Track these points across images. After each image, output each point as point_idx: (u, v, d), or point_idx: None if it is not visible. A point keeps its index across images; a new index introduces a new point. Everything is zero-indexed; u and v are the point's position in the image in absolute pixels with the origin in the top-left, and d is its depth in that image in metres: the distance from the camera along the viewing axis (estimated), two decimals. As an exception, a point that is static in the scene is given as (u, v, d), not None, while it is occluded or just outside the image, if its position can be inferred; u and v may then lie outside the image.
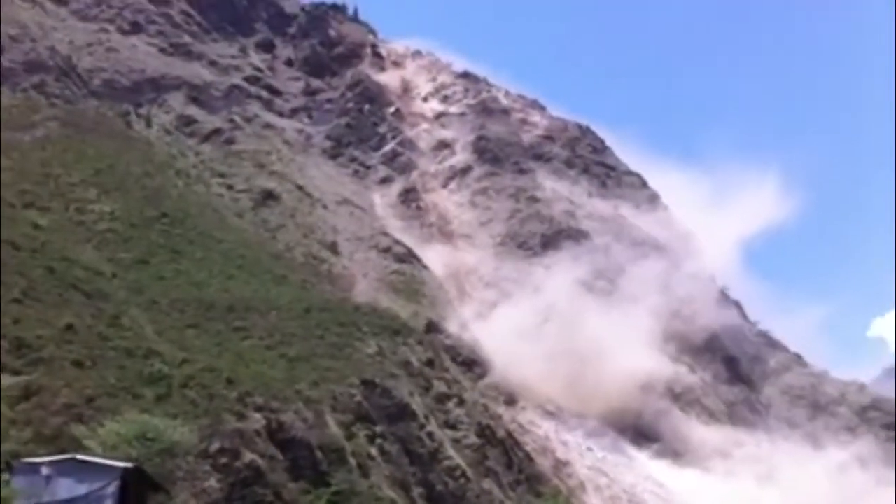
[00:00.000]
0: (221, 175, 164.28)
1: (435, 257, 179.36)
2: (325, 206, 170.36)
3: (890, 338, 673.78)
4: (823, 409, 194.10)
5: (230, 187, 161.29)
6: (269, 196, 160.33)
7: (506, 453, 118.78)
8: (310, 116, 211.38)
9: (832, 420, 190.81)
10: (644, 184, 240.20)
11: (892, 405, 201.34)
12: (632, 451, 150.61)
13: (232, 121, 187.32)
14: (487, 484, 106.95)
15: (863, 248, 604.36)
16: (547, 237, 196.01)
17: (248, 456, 78.05)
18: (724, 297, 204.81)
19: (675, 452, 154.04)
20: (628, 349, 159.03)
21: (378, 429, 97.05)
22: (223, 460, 75.87)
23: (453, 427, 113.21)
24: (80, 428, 63.22)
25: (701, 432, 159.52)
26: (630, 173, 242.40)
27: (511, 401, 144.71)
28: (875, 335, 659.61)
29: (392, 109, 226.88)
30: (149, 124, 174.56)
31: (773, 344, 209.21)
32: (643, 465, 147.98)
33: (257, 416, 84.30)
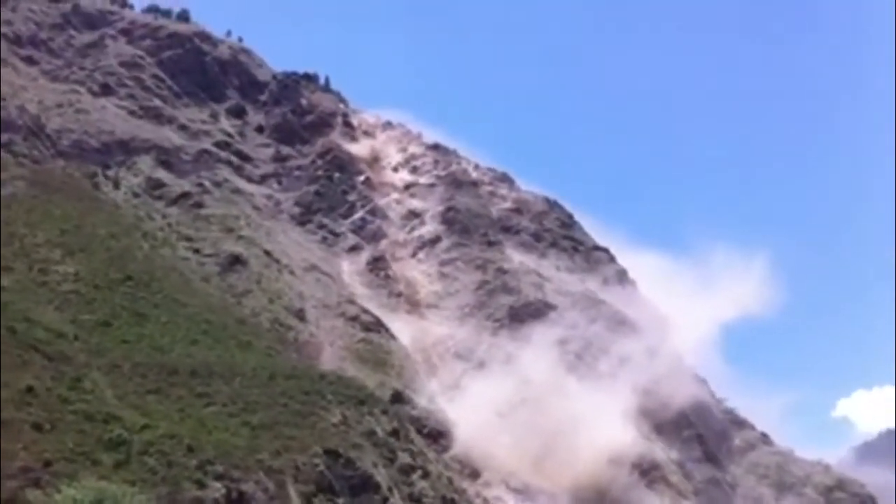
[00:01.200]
0: (188, 239, 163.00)
1: (402, 327, 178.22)
2: (292, 273, 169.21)
3: (855, 418, 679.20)
4: (789, 488, 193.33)
5: (197, 251, 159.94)
6: (236, 261, 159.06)
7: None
8: (279, 183, 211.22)
9: (798, 500, 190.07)
10: (612, 259, 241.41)
11: (857, 486, 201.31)
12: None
13: (201, 185, 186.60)
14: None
15: (833, 331, 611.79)
16: (515, 310, 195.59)
17: (206, 527, 76.05)
18: (695, 376, 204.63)
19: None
20: (597, 425, 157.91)
21: (340, 500, 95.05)
22: (182, 529, 73.88)
23: (417, 500, 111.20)
24: (35, 493, 61.43)
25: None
26: (598, 248, 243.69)
27: (476, 474, 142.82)
28: (840, 415, 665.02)
29: (362, 178, 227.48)
30: (116, 186, 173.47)
31: (740, 423, 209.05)
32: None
33: (217, 484, 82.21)
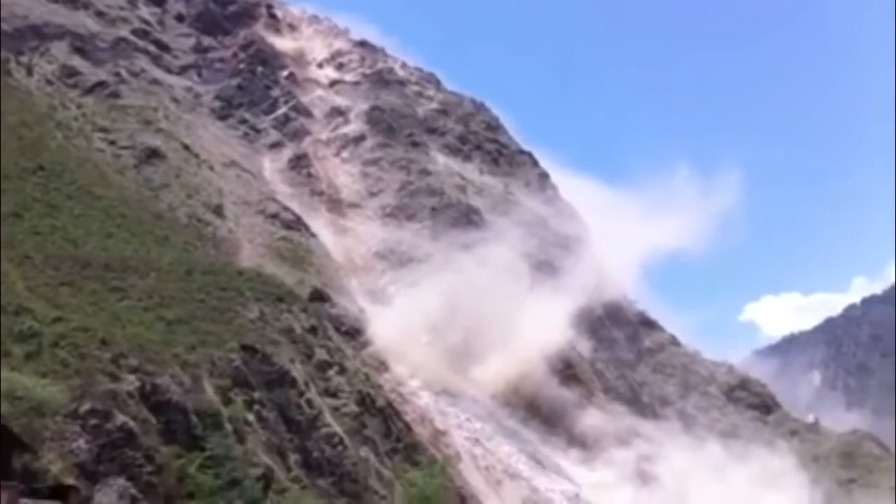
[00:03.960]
0: (104, 130, 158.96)
1: (323, 226, 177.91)
2: (211, 168, 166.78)
3: (761, 321, 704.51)
4: (694, 387, 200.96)
5: (112, 143, 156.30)
6: (153, 154, 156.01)
7: (385, 422, 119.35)
8: (199, 75, 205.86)
9: (701, 398, 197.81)
10: (535, 163, 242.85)
11: (759, 385, 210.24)
12: (512, 423, 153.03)
13: (117, 74, 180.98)
14: (365, 452, 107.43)
15: (748, 238, 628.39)
16: (437, 211, 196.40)
17: (120, 418, 76.51)
18: (609, 279, 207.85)
19: (557, 426, 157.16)
20: (519, 327, 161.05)
21: (256, 395, 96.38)
22: (93, 422, 74.23)
23: (333, 395, 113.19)
24: (-59, 384, 60.87)
25: (585, 409, 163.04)
26: (522, 152, 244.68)
27: (393, 371, 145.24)
28: (747, 319, 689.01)
29: (285, 73, 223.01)
30: (30, 73, 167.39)
31: (650, 324, 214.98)
32: (522, 438, 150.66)
33: (131, 377, 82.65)
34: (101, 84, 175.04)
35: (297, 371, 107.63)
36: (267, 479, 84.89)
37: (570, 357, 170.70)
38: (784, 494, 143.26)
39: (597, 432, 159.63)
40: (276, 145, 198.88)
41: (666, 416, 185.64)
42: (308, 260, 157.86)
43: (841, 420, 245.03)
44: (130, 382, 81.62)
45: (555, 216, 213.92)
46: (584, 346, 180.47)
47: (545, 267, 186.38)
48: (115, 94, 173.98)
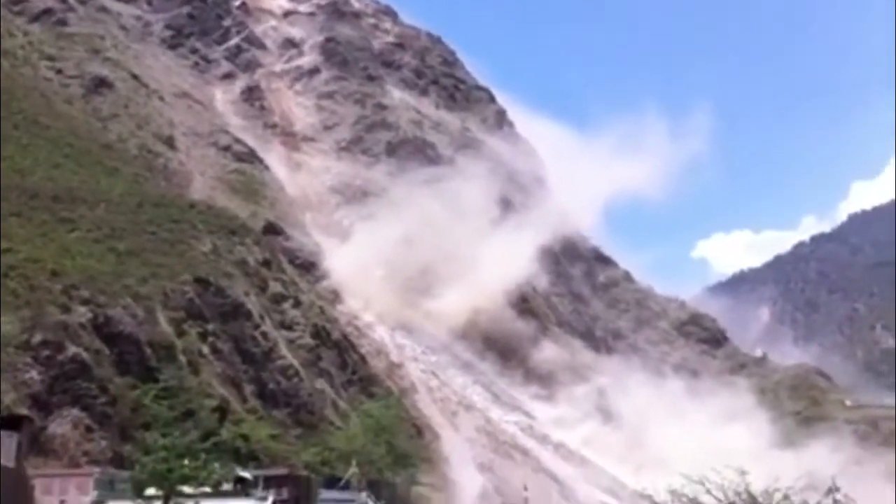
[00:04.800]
0: (51, 58, 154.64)
1: (277, 159, 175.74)
2: (161, 98, 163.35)
3: (712, 258, 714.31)
4: (646, 322, 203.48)
5: (60, 72, 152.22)
6: (101, 83, 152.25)
7: (340, 355, 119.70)
8: (149, 3, 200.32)
9: (653, 333, 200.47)
10: (492, 99, 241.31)
11: (709, 320, 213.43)
12: (468, 356, 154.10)
13: (64, 1, 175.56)
14: (320, 384, 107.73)
15: (701, 176, 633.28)
16: (393, 146, 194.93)
17: (73, 349, 75.60)
18: (564, 215, 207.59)
19: (512, 360, 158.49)
20: (475, 261, 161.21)
21: (210, 327, 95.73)
22: (46, 353, 73.27)
23: (288, 328, 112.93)
24: None
25: (541, 343, 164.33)
26: (479, 88, 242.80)
27: (348, 304, 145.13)
28: (698, 256, 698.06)
29: (238, 2, 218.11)
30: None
31: (605, 260, 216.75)
32: (478, 371, 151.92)
33: (83, 309, 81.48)
34: (48, 11, 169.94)
35: (252, 303, 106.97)
36: (222, 410, 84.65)
37: (525, 292, 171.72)
38: (743, 430, 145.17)
39: (553, 366, 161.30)
40: (227, 76, 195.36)
41: (619, 349, 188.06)
42: (261, 193, 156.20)
43: (788, 354, 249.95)
44: (82, 314, 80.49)
45: (514, 154, 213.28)
46: (541, 282, 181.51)
47: (503, 204, 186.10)
48: (63, 22, 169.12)
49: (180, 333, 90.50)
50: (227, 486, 59.23)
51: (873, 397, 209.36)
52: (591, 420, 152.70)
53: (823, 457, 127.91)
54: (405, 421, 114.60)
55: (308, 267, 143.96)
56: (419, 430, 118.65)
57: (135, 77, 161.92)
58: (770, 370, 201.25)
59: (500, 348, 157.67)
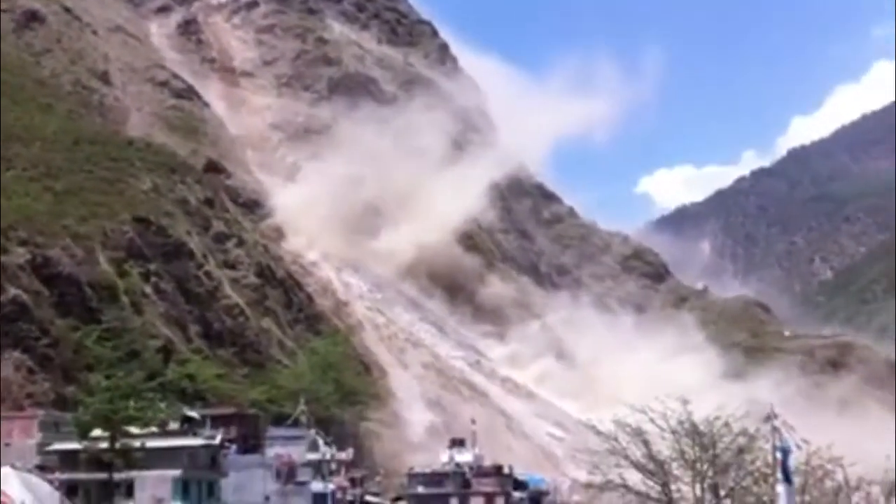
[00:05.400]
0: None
1: (215, 95, 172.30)
2: (95, 33, 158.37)
3: (655, 194, 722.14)
4: (590, 258, 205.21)
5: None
6: (33, 17, 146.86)
7: (286, 293, 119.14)
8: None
9: (597, 268, 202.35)
10: (435, 33, 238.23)
11: (652, 255, 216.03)
12: (415, 293, 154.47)
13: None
14: (266, 323, 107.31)
15: (646, 110, 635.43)
16: (335, 81, 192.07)
17: (12, 291, 74.22)
18: (513, 156, 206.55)
19: (459, 296, 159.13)
20: (421, 199, 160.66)
21: (152, 267, 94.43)
22: (-17, 294, 71.94)
23: (232, 267, 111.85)
24: None
25: (487, 279, 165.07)
26: (421, 22, 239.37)
27: (293, 243, 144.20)
28: (642, 191, 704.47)
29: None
30: None
31: (549, 196, 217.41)
32: (425, 308, 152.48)
33: (21, 250, 79.87)
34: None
35: (194, 243, 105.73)
36: (167, 351, 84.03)
37: (471, 229, 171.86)
38: (691, 363, 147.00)
39: (501, 301, 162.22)
40: (163, 9, 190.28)
41: (564, 285, 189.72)
42: (201, 130, 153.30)
43: (729, 287, 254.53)
44: (20, 255, 78.95)
45: (459, 91, 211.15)
46: (486, 219, 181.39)
47: (449, 142, 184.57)
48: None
49: (122, 274, 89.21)
50: (173, 426, 58.95)
51: (810, 328, 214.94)
52: (542, 357, 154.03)
53: (767, 387, 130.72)
54: (352, 358, 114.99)
55: (251, 206, 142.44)
56: (367, 367, 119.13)
57: (67, 10, 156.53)
58: (711, 303, 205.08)
59: (447, 285, 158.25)
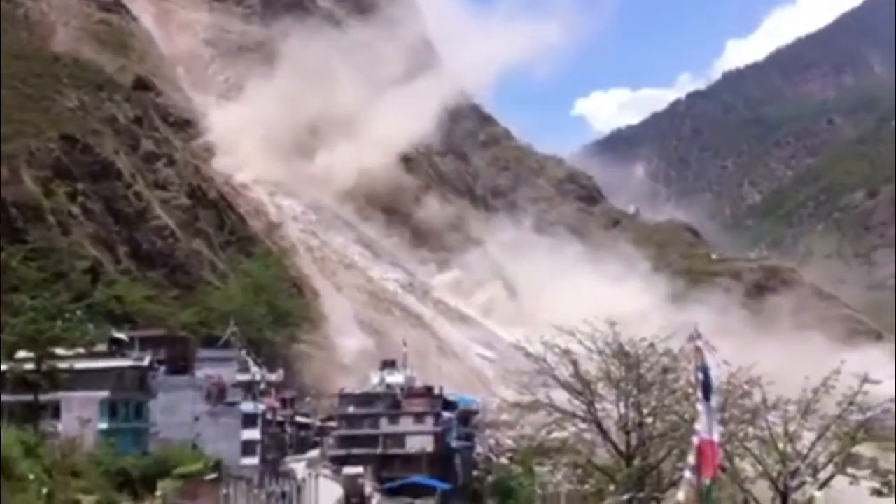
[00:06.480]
0: None
1: (144, 9, 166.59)
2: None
3: (591, 116, 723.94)
4: (525, 180, 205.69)
5: None
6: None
7: (217, 215, 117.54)
8: None
9: (531, 190, 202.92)
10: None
11: (585, 178, 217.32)
12: (350, 215, 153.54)
13: None
14: (197, 244, 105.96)
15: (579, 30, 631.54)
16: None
17: (-70, 210, 72.29)
18: (447, 78, 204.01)
19: (395, 219, 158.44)
20: (358, 121, 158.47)
21: (80, 186, 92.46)
22: None
23: (162, 187, 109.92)
24: None
25: (423, 201, 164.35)
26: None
27: (225, 163, 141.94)
28: (577, 114, 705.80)
29: None
30: None
31: (485, 118, 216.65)
32: (360, 230, 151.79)
33: (-62, 167, 77.65)
34: None
35: (123, 162, 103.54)
36: (94, 272, 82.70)
37: (408, 152, 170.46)
38: (632, 290, 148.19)
39: (439, 225, 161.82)
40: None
41: (499, 207, 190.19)
42: (130, 46, 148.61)
43: (661, 211, 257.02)
44: (-62, 174, 76.63)
45: (399, 11, 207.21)
46: (423, 141, 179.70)
47: (393, 65, 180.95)
48: None
49: (48, 193, 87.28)
50: (101, 348, 58.20)
51: (738, 251, 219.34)
52: (487, 285, 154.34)
53: (705, 311, 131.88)
54: (285, 280, 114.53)
55: (182, 125, 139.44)
56: (299, 289, 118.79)
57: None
58: (643, 226, 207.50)
59: (384, 208, 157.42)
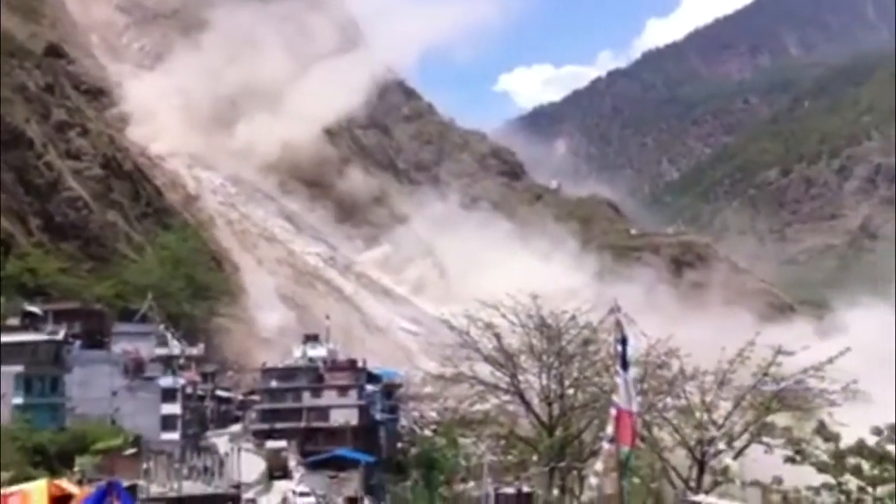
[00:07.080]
0: None
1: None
2: None
3: (514, 92, 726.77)
4: (448, 155, 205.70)
5: None
6: None
7: (133, 186, 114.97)
8: None
9: (454, 165, 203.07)
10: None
11: (508, 154, 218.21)
12: (271, 188, 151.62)
13: None
14: (112, 216, 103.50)
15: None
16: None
17: None
18: (372, 52, 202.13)
19: (317, 192, 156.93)
20: (282, 94, 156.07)
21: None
22: None
23: (75, 157, 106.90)
24: None
25: (345, 174, 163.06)
26: None
27: (141, 134, 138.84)
28: (501, 90, 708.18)
29: None
30: None
31: (408, 93, 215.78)
32: (280, 203, 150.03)
33: None
34: None
35: (34, 131, 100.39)
36: (5, 244, 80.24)
37: (330, 126, 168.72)
38: (560, 266, 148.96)
39: (362, 198, 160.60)
40: None
41: (421, 181, 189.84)
42: (41, 11, 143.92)
43: (583, 187, 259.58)
44: None
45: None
46: (346, 115, 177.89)
47: (311, 35, 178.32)
48: None
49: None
50: (14, 322, 56.73)
51: (657, 227, 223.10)
52: (415, 262, 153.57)
53: (625, 287, 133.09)
54: (204, 253, 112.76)
55: (95, 93, 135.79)
56: (218, 262, 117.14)
57: None
58: (564, 201, 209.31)
59: (307, 181, 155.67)
